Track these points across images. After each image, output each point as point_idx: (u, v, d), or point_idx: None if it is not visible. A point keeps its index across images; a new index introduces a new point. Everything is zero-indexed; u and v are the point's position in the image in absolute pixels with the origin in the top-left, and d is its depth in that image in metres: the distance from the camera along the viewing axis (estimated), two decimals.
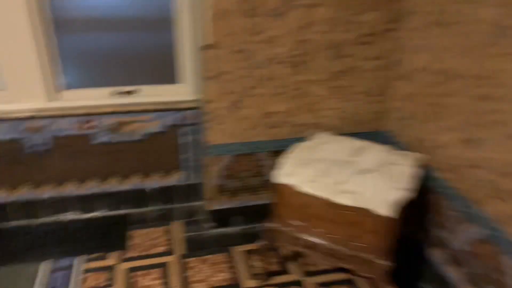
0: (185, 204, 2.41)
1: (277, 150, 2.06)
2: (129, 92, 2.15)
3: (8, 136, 2.00)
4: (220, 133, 1.98)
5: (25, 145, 2.04)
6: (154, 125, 2.16)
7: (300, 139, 1.95)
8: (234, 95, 1.91)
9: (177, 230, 2.21)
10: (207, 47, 1.79)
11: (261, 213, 2.21)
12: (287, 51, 1.85)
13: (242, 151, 2.05)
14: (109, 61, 2.09)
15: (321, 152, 1.75)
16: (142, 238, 2.14)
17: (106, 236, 2.15)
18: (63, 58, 2.03)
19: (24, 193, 2.15)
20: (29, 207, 2.19)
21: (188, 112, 2.17)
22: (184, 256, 2.02)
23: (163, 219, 2.30)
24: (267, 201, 2.18)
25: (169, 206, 2.38)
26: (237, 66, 1.85)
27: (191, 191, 2.39)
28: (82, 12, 1.96)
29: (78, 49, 2.05)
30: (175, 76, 2.19)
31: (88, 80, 2.11)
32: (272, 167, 2.09)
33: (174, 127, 2.19)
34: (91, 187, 2.23)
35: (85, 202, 2.26)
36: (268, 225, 1.77)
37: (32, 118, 1.99)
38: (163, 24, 2.06)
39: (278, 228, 1.73)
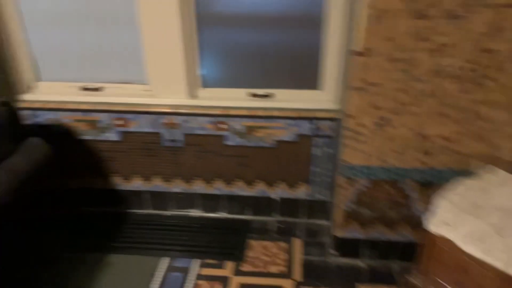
0: (309, 221, 2.20)
1: (429, 182, 1.69)
2: (265, 96, 2.01)
3: (148, 129, 2.06)
4: (359, 153, 1.70)
5: (162, 139, 2.07)
6: (286, 133, 1.99)
7: (463, 173, 1.55)
8: (382, 111, 1.60)
9: (297, 249, 2.02)
10: (357, 52, 1.51)
11: (397, 251, 1.88)
12: (461, 63, 1.46)
13: (383, 177, 1.73)
14: (248, 59, 1.97)
15: (496, 197, 1.34)
16: (259, 251, 2.00)
17: (225, 241, 2.07)
18: (202, 55, 1.99)
19: (157, 185, 2.21)
20: (160, 199, 2.25)
21: (325, 122, 1.94)
22: (301, 283, 1.82)
23: (284, 233, 2.13)
24: (406, 239, 1.83)
25: (291, 219, 2.21)
26: (391, 77, 1.53)
27: (317, 208, 2.16)
28: (226, 7, 1.88)
29: (218, 46, 1.98)
30: (316, 81, 1.98)
31: (225, 78, 2.03)
32: (418, 200, 1.73)
33: (308, 137, 1.99)
34: (217, 188, 2.18)
35: (210, 201, 2.23)
36: (408, 276, 1.44)
37: (170, 114, 2.00)
38: (311, 23, 1.85)
39: (420, 284, 1.39)
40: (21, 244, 1.69)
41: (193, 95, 2.03)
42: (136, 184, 2.22)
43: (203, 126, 2.02)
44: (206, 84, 2.04)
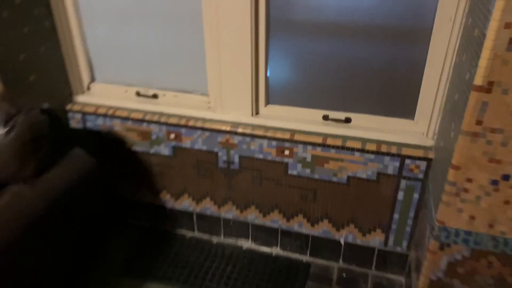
0: (380, 274, 1.82)
1: None
2: (341, 121, 1.66)
3: (202, 147, 1.81)
4: (461, 213, 1.29)
5: (217, 159, 1.82)
6: (363, 169, 1.63)
7: None
8: (502, 166, 1.18)
9: None
10: (476, 87, 1.11)
11: None
12: None
13: (490, 247, 1.31)
14: (325, 75, 1.63)
15: None
16: None
17: (277, 285, 1.77)
18: (270, 66, 1.68)
19: (207, 207, 1.96)
20: (209, 223, 2.00)
21: (416, 162, 1.55)
22: None
23: (348, 284, 1.78)
24: None
25: (359, 269, 1.85)
26: None
27: (392, 260, 1.78)
28: (305, 13, 1.55)
29: (290, 57, 1.66)
30: (408, 108, 1.59)
31: (294, 94, 1.71)
32: None
33: (390, 177, 1.61)
34: (274, 220, 1.88)
35: (264, 234, 1.94)
36: None
37: (228, 132, 1.73)
38: (411, 38, 1.47)
39: None
40: (53, 261, 1.54)
41: (256, 113, 1.74)
42: (185, 203, 1.99)
43: (264, 150, 1.73)
44: (272, 100, 1.74)
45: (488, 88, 1.10)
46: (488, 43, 1.06)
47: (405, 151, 1.55)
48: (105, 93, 1.94)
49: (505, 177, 1.20)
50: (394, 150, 1.56)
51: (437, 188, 1.37)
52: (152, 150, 1.90)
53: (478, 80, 1.10)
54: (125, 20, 1.77)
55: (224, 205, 1.93)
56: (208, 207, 1.96)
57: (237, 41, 1.60)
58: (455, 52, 1.41)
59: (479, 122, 1.15)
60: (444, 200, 1.29)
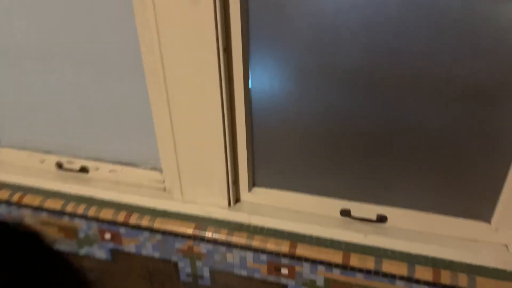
0: None
1: None
2: (377, 220, 1.03)
3: (153, 253, 1.18)
4: None
5: (178, 271, 1.19)
6: None
7: None
8: None
9: None
10: None
11: None
12: None
13: None
14: (343, 144, 0.99)
15: None
16: None
17: None
18: (255, 129, 1.04)
19: None
20: None
21: None
22: None
23: None
24: None
25: None
26: None
27: None
28: (315, 54, 0.90)
29: (288, 115, 1.02)
30: (481, 204, 0.96)
31: (294, 173, 1.08)
32: None
33: None
34: None
35: None
36: None
37: (191, 237, 1.10)
38: (486, 92, 0.83)
39: None
40: None
41: (234, 201, 1.11)
42: None
43: (248, 265, 1.10)
44: (260, 181, 1.10)
45: None
46: None
47: (479, 284, 0.93)
48: (13, 163, 1.30)
49: None
50: (463, 281, 0.93)
51: None
52: (82, 252, 1.27)
53: None
54: (37, 64, 1.12)
55: None
56: None
57: (196, 91, 0.95)
58: None
59: None
60: None
